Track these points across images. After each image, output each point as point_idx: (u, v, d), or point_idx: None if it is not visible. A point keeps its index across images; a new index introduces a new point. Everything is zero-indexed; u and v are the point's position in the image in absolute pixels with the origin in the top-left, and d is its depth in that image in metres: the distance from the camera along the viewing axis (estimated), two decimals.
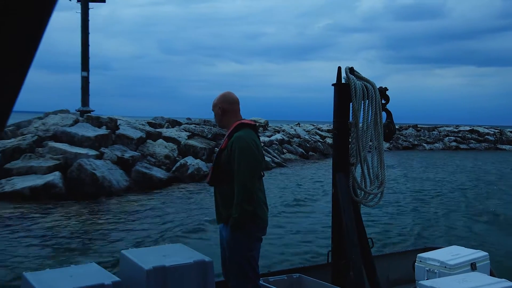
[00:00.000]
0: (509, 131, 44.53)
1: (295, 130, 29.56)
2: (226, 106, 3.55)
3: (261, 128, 26.37)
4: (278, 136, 25.46)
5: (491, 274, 4.18)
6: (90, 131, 15.17)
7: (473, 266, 4.21)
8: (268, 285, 3.65)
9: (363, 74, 4.00)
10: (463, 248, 4.51)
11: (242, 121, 3.52)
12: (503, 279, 3.58)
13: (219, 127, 3.75)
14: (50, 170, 12.73)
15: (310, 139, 28.28)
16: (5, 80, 0.71)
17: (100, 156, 14.05)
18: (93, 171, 12.80)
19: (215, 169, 3.48)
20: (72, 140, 14.45)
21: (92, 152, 13.89)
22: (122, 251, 3.57)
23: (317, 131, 31.90)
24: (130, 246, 7.61)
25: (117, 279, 3.19)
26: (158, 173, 14.97)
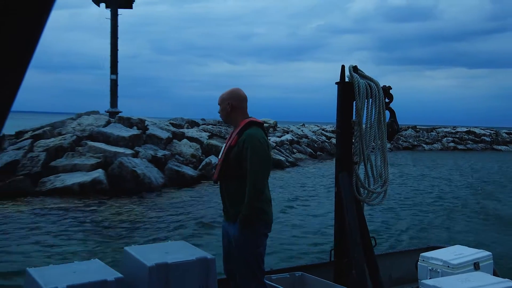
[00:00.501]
0: (504, 132, 43.77)
1: (302, 130, 29.22)
2: (236, 103, 3.28)
3: (271, 129, 26.08)
4: (288, 136, 25.11)
5: (495, 274, 3.87)
6: (123, 131, 15.13)
7: (476, 266, 3.89)
8: (270, 283, 3.37)
9: None
10: (466, 247, 4.19)
11: (252, 119, 3.26)
12: (507, 279, 3.31)
13: (224, 123, 3.48)
14: (93, 167, 12.78)
15: (317, 140, 27.93)
16: (4, 80, 0.67)
17: (135, 155, 14.02)
18: (134, 168, 12.81)
19: (223, 166, 3.22)
20: (108, 140, 14.43)
21: (129, 151, 13.91)
22: (125, 248, 3.32)
23: (322, 131, 31.52)
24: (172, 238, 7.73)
25: (120, 275, 2.97)
26: (189, 171, 14.89)
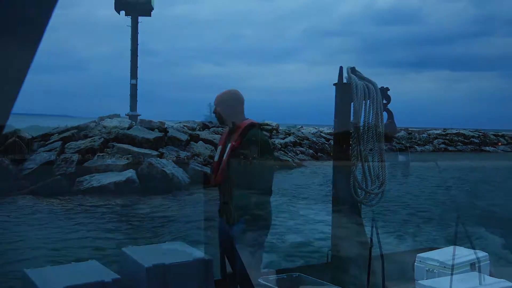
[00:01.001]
0: (491, 134, 43.40)
1: (302, 133, 28.97)
2: (235, 104, 3.07)
3: (274, 131, 25.85)
4: (291, 138, 24.83)
5: (491, 275, 3.61)
6: (147, 134, 15.06)
7: (472, 266, 3.63)
8: (268, 284, 3.14)
9: None
10: (462, 248, 3.90)
11: (251, 121, 3.05)
12: (503, 280, 3.05)
13: (220, 124, 3.28)
14: (124, 168, 12.77)
15: (317, 141, 27.66)
16: (5, 82, 0.61)
17: (160, 156, 13.91)
18: (163, 168, 12.76)
19: (226, 167, 2.99)
20: (133, 141, 14.35)
21: (155, 152, 13.83)
22: (123, 249, 3.10)
23: (321, 133, 31.23)
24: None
25: (117, 276, 2.74)
26: (209, 171, 14.82)
